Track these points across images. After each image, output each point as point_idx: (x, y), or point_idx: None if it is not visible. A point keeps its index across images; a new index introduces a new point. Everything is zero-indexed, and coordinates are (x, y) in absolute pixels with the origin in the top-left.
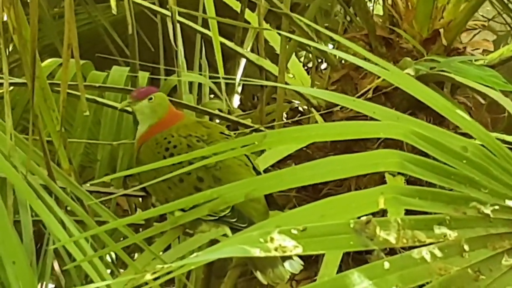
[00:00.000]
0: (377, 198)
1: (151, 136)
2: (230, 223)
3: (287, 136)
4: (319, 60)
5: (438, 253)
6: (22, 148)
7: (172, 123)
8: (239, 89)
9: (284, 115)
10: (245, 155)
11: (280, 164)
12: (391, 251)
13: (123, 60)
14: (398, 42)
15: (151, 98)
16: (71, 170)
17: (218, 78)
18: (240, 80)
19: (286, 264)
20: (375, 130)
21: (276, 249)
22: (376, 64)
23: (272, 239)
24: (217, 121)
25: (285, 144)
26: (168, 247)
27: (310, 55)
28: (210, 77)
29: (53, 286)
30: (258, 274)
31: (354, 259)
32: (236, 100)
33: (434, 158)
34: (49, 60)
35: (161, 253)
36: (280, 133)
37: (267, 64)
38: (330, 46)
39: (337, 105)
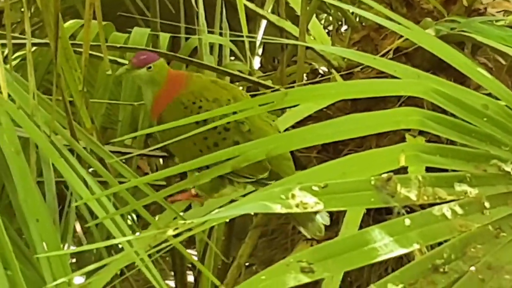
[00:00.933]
0: (398, 155)
1: (164, 103)
2: (268, 185)
3: (308, 94)
4: (339, 23)
5: (458, 210)
6: (45, 108)
7: (178, 85)
8: (260, 51)
9: (305, 76)
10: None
11: (300, 125)
12: (411, 210)
13: (144, 22)
14: (418, 3)
15: (150, 67)
16: (93, 129)
17: (239, 39)
18: (261, 40)
19: (318, 217)
20: (396, 88)
21: (297, 206)
22: (398, 23)
23: (293, 196)
24: (237, 83)
25: (306, 102)
26: (188, 207)
27: (331, 18)
28: (231, 39)
29: (75, 248)
30: (301, 229)
31: (375, 220)
32: (256, 62)
33: (454, 116)
34: (71, 21)
35: (181, 213)
36: (301, 91)
37: (287, 25)
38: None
39: (358, 66)
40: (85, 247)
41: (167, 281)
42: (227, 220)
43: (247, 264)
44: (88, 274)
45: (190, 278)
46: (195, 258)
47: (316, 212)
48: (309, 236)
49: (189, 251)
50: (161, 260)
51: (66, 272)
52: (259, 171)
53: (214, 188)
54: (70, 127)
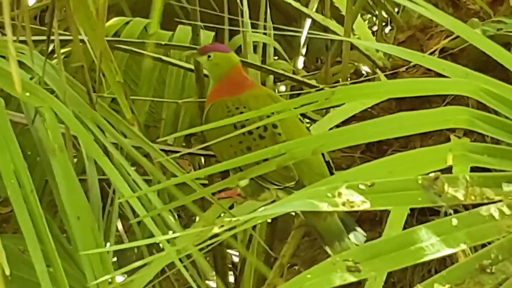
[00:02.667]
0: (445, 154)
1: (218, 97)
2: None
3: (356, 92)
4: (384, 23)
5: (506, 211)
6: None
7: (240, 87)
8: (303, 51)
9: (349, 77)
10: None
11: (344, 125)
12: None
13: (188, 22)
14: (465, 3)
15: (209, 56)
16: (134, 120)
17: (283, 39)
18: (306, 36)
19: (351, 236)
20: (444, 87)
21: (343, 204)
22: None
23: (340, 194)
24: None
25: (354, 101)
26: (231, 207)
27: (375, 19)
28: (275, 38)
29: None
30: (327, 248)
31: (418, 221)
32: (300, 62)
33: (503, 116)
34: (115, 19)
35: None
36: (348, 90)
37: (332, 24)
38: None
39: (403, 66)
40: (126, 245)
41: (208, 281)
42: (269, 221)
43: (289, 264)
44: (129, 274)
45: (231, 279)
46: (236, 259)
47: (351, 230)
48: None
49: (230, 251)
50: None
51: (107, 270)
52: (287, 180)
53: (255, 193)
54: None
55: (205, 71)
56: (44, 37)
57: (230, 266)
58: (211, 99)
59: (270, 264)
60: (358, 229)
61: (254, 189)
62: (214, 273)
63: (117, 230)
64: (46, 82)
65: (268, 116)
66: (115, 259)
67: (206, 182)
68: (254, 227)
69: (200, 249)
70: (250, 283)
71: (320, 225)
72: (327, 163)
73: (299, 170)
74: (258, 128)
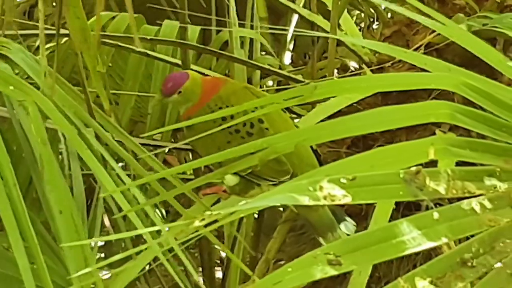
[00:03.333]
0: (427, 148)
1: (194, 111)
2: None
3: (339, 87)
4: (371, 19)
5: (488, 205)
6: (74, 99)
7: (214, 89)
8: (291, 47)
9: (335, 72)
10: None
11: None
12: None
13: (174, 15)
14: None
15: (180, 92)
16: (112, 111)
17: (270, 34)
18: (293, 33)
19: (342, 226)
20: (426, 81)
21: (325, 198)
22: (430, 18)
23: (321, 188)
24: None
25: (337, 95)
26: (217, 202)
27: (362, 15)
28: (262, 34)
29: (103, 243)
30: (320, 240)
31: (404, 216)
32: (287, 58)
33: (485, 111)
34: (101, 13)
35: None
36: (332, 84)
37: (319, 19)
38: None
39: (389, 61)
40: (110, 237)
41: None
42: (256, 216)
43: (275, 259)
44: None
45: (218, 274)
46: (223, 255)
47: (341, 221)
48: None
49: (217, 247)
50: (189, 256)
51: (90, 264)
52: (281, 174)
53: (243, 190)
54: (89, 110)
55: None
56: (32, 32)
57: (217, 262)
58: (189, 113)
59: (257, 259)
60: (348, 219)
61: (243, 187)
62: (200, 269)
63: (105, 227)
64: (31, 77)
65: (253, 111)
66: (102, 255)
67: (193, 178)
68: (240, 223)
69: (186, 246)
70: (237, 278)
71: (312, 217)
72: (315, 152)
73: (291, 163)
74: (244, 125)
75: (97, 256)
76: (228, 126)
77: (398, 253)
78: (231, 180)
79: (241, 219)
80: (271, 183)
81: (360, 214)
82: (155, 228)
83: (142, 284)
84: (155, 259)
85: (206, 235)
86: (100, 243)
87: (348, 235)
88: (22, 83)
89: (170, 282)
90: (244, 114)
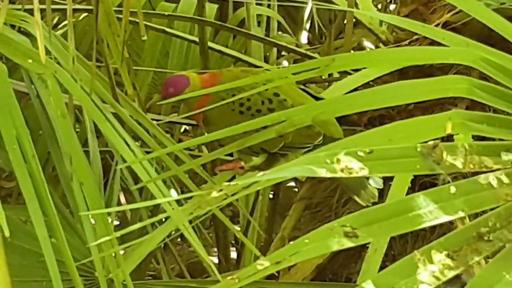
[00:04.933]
0: (444, 123)
1: (204, 105)
2: None
3: (356, 59)
4: (389, 1)
5: (505, 179)
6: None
7: (214, 80)
8: (307, 26)
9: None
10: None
11: None
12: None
13: None
14: None
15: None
16: (135, 95)
17: (287, 15)
18: (310, 11)
19: (371, 181)
20: (444, 55)
21: (342, 170)
22: None
23: (338, 160)
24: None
25: (354, 67)
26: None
27: None
28: (279, 14)
29: (118, 223)
30: (355, 197)
31: None
32: (304, 38)
33: (503, 86)
34: None
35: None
36: (349, 57)
37: None
38: None
39: (406, 39)
40: (127, 207)
41: (210, 257)
42: (271, 196)
43: (290, 237)
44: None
45: (233, 254)
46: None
47: (368, 178)
48: (364, 204)
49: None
50: (204, 236)
51: (109, 235)
52: (313, 138)
53: (268, 166)
54: (113, 92)
55: None
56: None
57: (232, 242)
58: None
59: (271, 240)
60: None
61: (268, 163)
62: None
63: (121, 205)
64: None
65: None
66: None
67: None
68: (255, 202)
69: (201, 226)
70: (251, 258)
71: (344, 179)
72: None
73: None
74: (263, 103)
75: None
76: (248, 109)
77: (414, 226)
78: (257, 159)
79: (256, 198)
80: (306, 149)
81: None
82: (173, 198)
83: (158, 263)
84: (170, 236)
85: (218, 214)
86: (116, 223)
87: (378, 189)
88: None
89: (185, 262)
90: (258, 93)
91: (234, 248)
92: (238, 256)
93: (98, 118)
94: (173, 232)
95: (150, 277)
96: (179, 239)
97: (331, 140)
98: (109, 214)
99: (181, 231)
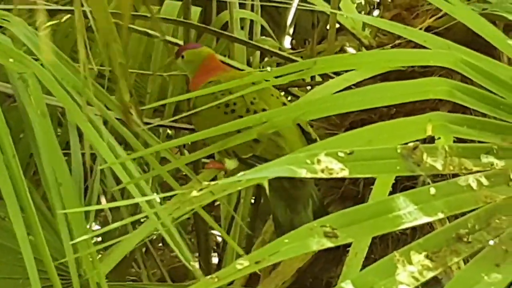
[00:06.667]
0: (425, 125)
1: (197, 85)
2: None
3: (338, 62)
4: (372, 7)
5: (484, 182)
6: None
7: (214, 70)
8: (291, 31)
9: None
10: None
11: None
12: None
13: None
14: None
15: (183, 56)
16: (132, 103)
17: (271, 19)
18: (293, 16)
19: None
20: (425, 57)
21: (322, 171)
22: None
23: (319, 161)
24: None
25: (336, 69)
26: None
27: (363, 2)
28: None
29: (99, 228)
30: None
31: None
32: (287, 42)
33: (483, 88)
34: None
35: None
36: (331, 59)
37: (319, 2)
38: None
39: (388, 44)
40: (106, 205)
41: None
42: (252, 202)
43: (270, 241)
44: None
45: (215, 260)
46: (219, 240)
47: None
48: None
49: (213, 232)
50: (186, 241)
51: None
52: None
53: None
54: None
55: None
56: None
57: (214, 248)
58: (193, 88)
59: (252, 244)
60: None
61: (240, 169)
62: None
63: (101, 211)
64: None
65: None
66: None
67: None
68: (236, 207)
69: (184, 229)
70: (233, 261)
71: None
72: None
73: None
74: (248, 111)
75: (93, 241)
76: (232, 111)
77: (394, 227)
78: (231, 164)
79: (237, 202)
80: None
81: (357, 197)
82: (153, 197)
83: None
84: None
85: (200, 212)
86: (97, 227)
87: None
88: (22, 56)
89: (166, 267)
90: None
91: (216, 254)
92: (219, 261)
93: (79, 119)
94: (154, 236)
95: (130, 282)
96: (160, 244)
97: None
98: (89, 216)
99: (162, 234)
